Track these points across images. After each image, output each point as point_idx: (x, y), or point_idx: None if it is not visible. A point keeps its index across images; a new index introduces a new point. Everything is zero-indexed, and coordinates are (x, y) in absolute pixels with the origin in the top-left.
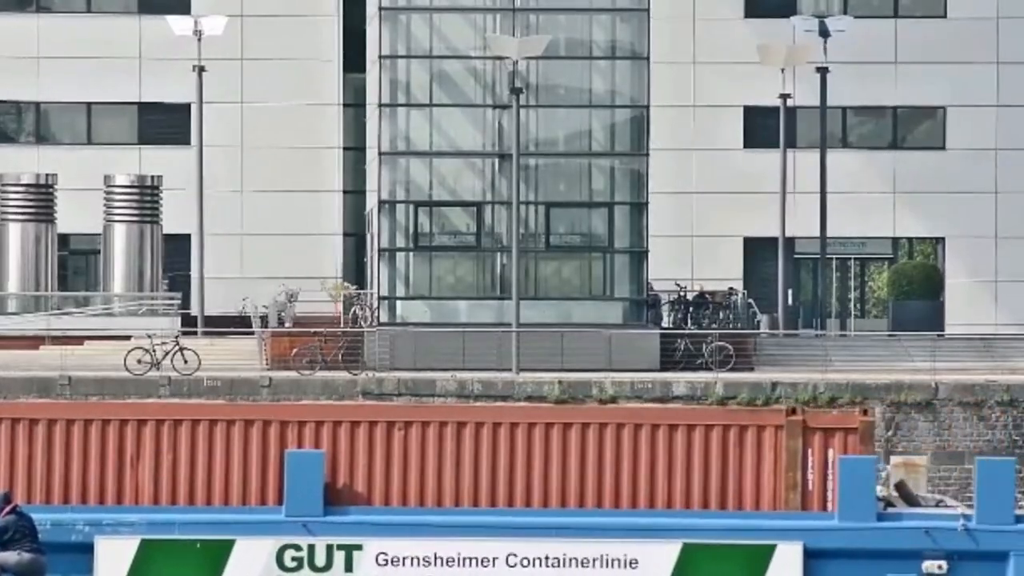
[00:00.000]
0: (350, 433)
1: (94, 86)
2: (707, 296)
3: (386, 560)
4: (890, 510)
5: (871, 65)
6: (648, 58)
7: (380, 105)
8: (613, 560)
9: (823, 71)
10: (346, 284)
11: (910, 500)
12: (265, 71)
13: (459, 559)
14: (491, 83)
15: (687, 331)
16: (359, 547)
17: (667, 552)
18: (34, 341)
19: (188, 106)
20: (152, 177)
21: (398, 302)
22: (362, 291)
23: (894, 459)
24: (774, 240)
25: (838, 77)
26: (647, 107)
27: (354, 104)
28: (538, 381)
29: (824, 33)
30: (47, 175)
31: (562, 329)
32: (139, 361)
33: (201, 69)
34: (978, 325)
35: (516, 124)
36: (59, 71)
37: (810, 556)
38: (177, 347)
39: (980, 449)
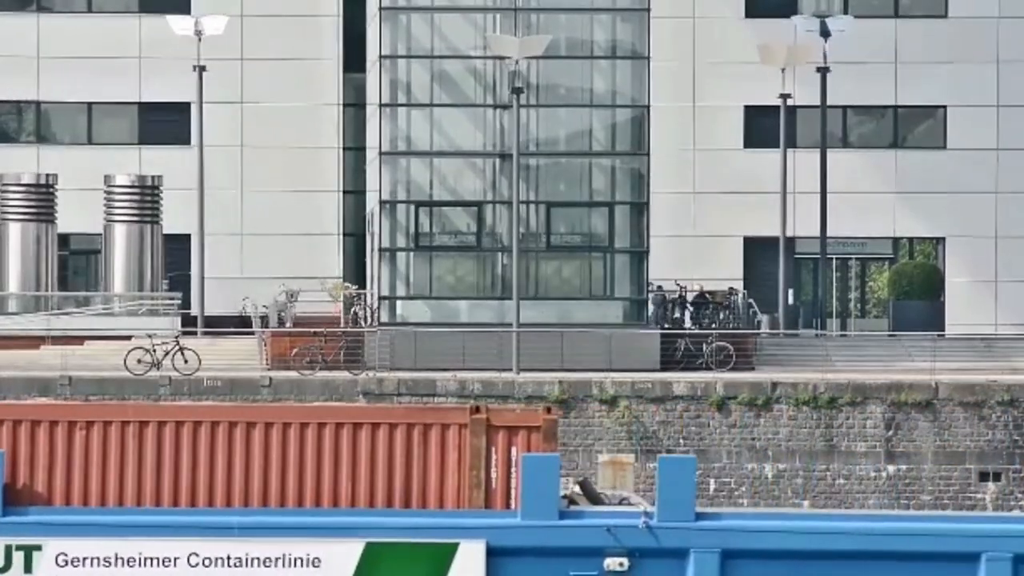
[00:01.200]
0: (30, 433)
1: (94, 86)
2: (707, 296)
3: (66, 560)
4: (572, 508)
5: (871, 65)
6: (648, 58)
7: (380, 105)
8: (296, 559)
9: (823, 71)
10: (346, 284)
11: (593, 498)
12: (265, 71)
13: (140, 559)
14: (492, 83)
15: (687, 331)
16: (38, 547)
17: (350, 551)
18: (34, 341)
19: (188, 106)
20: (152, 177)
21: (398, 302)
22: (362, 291)
23: (602, 457)
24: (774, 240)
25: (838, 77)
26: (647, 107)
27: (354, 104)
28: (538, 381)
29: (824, 33)
30: (47, 175)
31: (562, 329)
32: (139, 361)
33: (201, 69)
34: (978, 325)
35: (516, 124)
36: (59, 71)
37: (493, 554)
38: (177, 347)
39: (980, 449)
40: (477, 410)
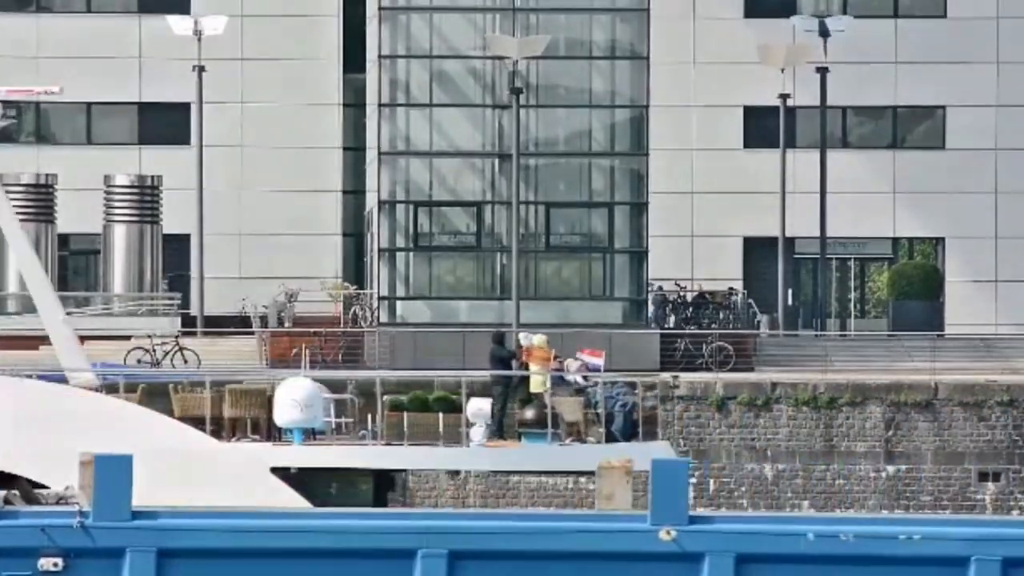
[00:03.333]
0: None
1: (94, 86)
2: (707, 296)
3: None
4: (7, 508)
5: (871, 65)
6: (648, 58)
7: (380, 105)
8: None
9: (823, 71)
10: (346, 284)
11: (29, 498)
12: (265, 71)
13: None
14: (491, 83)
15: (687, 331)
16: None
17: None
18: (34, 341)
19: (188, 106)
20: (152, 177)
21: (398, 302)
22: (362, 291)
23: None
24: (774, 240)
25: (838, 77)
26: (647, 107)
27: (354, 104)
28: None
29: (824, 33)
30: (47, 175)
31: (562, 329)
32: (139, 361)
33: (201, 69)
34: (978, 325)
35: (516, 124)
36: (59, 71)
37: None
38: (177, 347)
39: (980, 449)
40: None
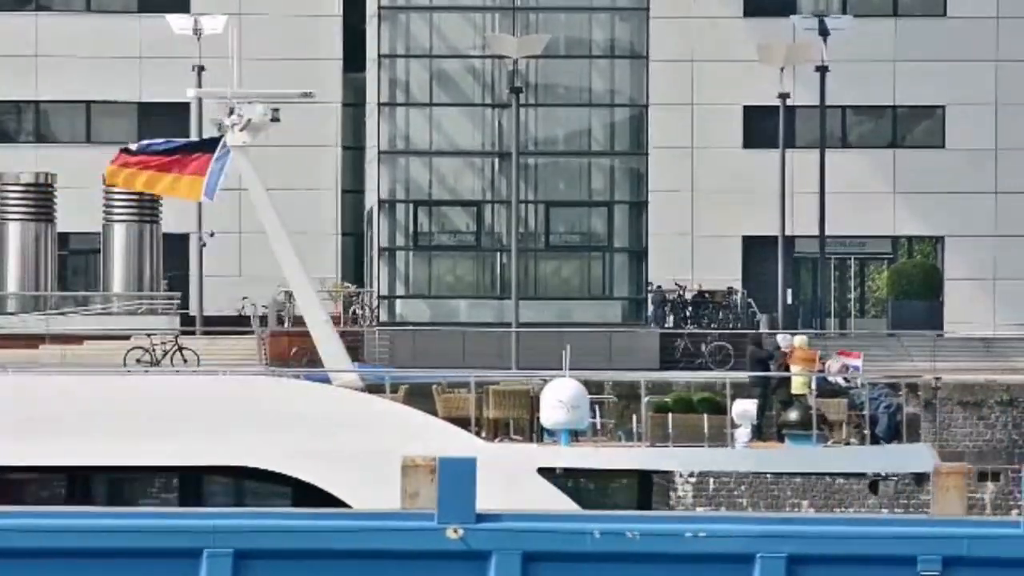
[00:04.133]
0: None
1: (94, 86)
2: (706, 295)
3: None
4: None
5: (871, 64)
6: (648, 58)
7: (380, 104)
8: None
9: (823, 70)
10: (346, 284)
11: None
12: (265, 71)
13: None
14: (491, 82)
15: (687, 331)
16: None
17: None
18: (34, 341)
19: (188, 106)
20: None
21: (398, 301)
22: (362, 291)
23: None
24: (774, 240)
25: (838, 77)
26: (646, 106)
27: (354, 104)
28: None
29: (824, 32)
30: (47, 175)
31: (562, 329)
32: (138, 360)
33: (201, 69)
34: (978, 325)
35: (516, 123)
36: (58, 70)
37: None
38: (176, 346)
39: (979, 449)
40: None
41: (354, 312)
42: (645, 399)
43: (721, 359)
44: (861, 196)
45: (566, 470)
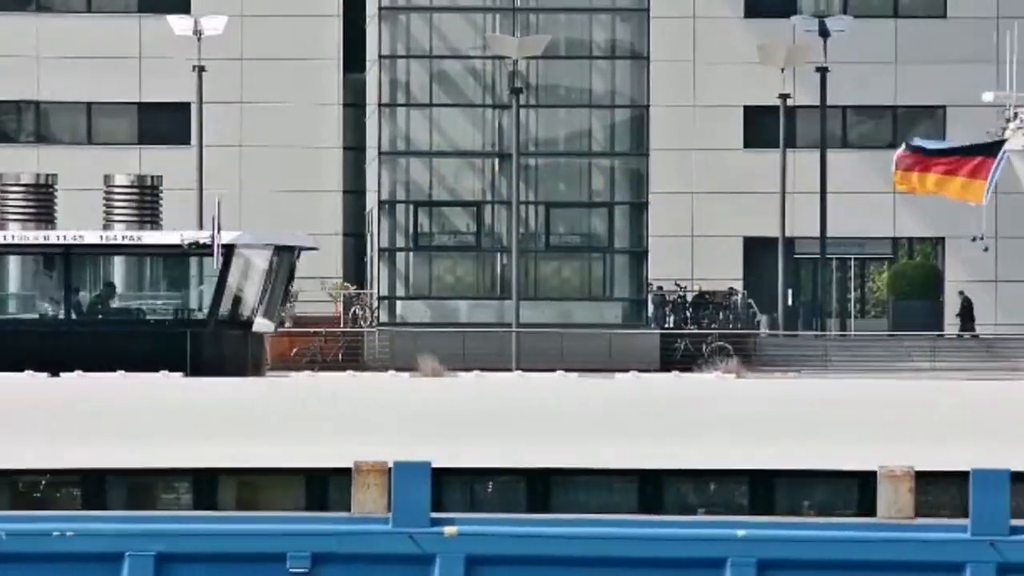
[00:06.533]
0: None
1: (94, 86)
2: (707, 296)
3: None
4: None
5: (871, 65)
6: (648, 58)
7: (380, 105)
8: None
9: (823, 71)
10: (346, 284)
11: None
12: (265, 71)
13: None
14: (491, 83)
15: (687, 331)
16: None
17: None
18: None
19: (188, 106)
20: (152, 177)
21: (398, 302)
22: (362, 291)
23: None
24: (774, 240)
25: (838, 77)
26: (647, 107)
27: (354, 104)
28: None
29: (824, 33)
30: (47, 175)
31: (562, 329)
32: None
33: (201, 69)
34: (978, 325)
35: (516, 124)
36: (59, 71)
37: None
38: None
39: None
40: None
41: (354, 313)
42: None
43: (721, 360)
44: (861, 197)
45: None
